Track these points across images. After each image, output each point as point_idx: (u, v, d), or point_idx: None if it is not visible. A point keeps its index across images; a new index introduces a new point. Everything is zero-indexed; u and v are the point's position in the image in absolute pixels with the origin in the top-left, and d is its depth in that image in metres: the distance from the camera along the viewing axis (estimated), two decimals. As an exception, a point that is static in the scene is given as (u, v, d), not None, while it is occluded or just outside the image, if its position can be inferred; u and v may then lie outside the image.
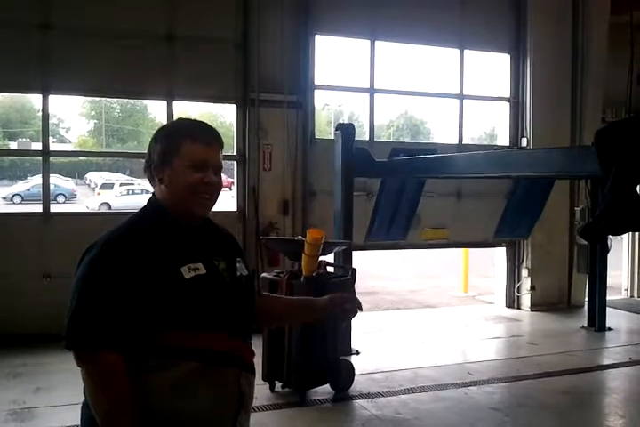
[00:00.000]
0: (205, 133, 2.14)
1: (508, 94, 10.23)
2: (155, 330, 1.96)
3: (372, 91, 9.44)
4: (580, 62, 10.00)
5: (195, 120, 2.24)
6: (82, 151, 29.68)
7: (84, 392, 2.01)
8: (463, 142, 10.02)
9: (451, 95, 10.11)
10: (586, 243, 8.90)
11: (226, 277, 2.14)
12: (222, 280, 2.12)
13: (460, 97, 9.96)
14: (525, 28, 10.00)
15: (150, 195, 2.22)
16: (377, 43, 9.37)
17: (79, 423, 2.09)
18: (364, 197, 8.54)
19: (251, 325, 2.23)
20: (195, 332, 2.00)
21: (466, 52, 9.90)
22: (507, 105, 10.26)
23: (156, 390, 1.96)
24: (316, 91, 9.10)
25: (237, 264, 2.22)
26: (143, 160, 2.19)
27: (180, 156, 2.08)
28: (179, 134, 2.12)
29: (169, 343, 1.97)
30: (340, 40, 9.59)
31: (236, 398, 2.09)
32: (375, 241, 8.48)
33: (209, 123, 2.27)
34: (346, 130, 7.52)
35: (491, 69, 10.70)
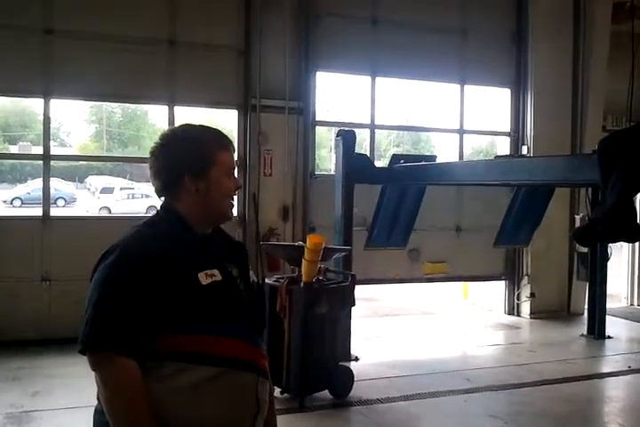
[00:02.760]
0: (227, 139, 2.18)
1: (508, 126, 10.32)
2: (171, 335, 1.96)
3: (372, 126, 9.51)
4: (581, 72, 10.00)
5: (206, 126, 2.23)
6: (82, 155, 29.68)
7: (98, 397, 2.00)
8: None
9: (451, 130, 10.26)
10: (585, 250, 8.91)
11: (239, 284, 2.16)
12: (237, 287, 2.14)
13: (461, 131, 10.07)
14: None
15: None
16: (377, 79, 9.44)
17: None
18: (365, 231, 8.60)
19: (263, 330, 2.25)
20: (212, 337, 2.00)
21: (466, 86, 9.98)
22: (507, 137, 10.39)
23: (172, 395, 1.95)
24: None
25: (250, 271, 2.26)
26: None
27: (216, 165, 2.10)
28: (209, 143, 2.12)
29: (186, 349, 1.96)
30: (341, 75, 9.83)
31: (254, 405, 2.08)
32: (375, 248, 8.45)
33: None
34: (346, 136, 7.53)
35: (491, 101, 10.85)
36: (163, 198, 2.18)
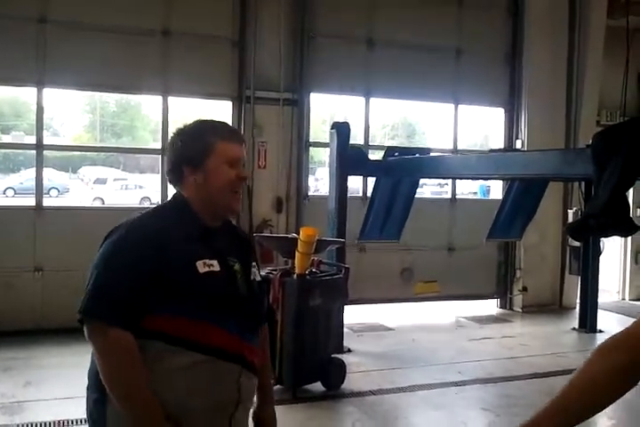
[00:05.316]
0: (233, 132, 2.26)
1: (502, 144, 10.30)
2: (163, 315, 2.01)
3: (366, 147, 9.41)
4: (576, 69, 9.95)
5: (217, 120, 2.30)
6: (75, 145, 29.58)
7: (89, 376, 2.07)
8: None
9: (445, 151, 10.21)
10: (578, 244, 8.95)
11: (238, 279, 2.18)
12: (234, 280, 2.16)
13: (454, 151, 10.06)
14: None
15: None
16: (371, 99, 9.43)
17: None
18: (358, 251, 8.66)
19: (258, 327, 2.27)
20: (201, 325, 2.03)
21: (460, 106, 9.99)
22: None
23: (157, 376, 2.00)
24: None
25: (253, 269, 2.28)
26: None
27: (214, 154, 2.14)
28: (209, 134, 2.17)
29: (173, 332, 2.01)
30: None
31: (235, 393, 2.11)
32: (368, 241, 8.46)
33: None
34: (341, 128, 7.53)
35: (485, 119, 11.08)
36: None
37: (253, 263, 2.30)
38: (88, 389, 2.10)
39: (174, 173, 2.20)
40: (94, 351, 1.99)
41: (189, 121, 2.29)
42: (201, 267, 2.05)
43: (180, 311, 2.01)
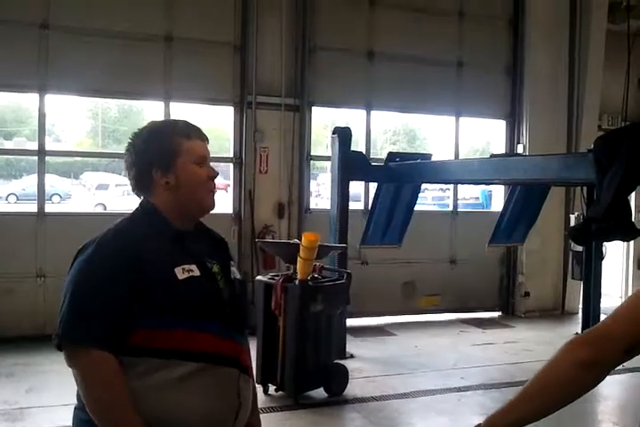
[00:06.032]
0: (195, 129, 2.15)
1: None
2: (147, 330, 1.94)
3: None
4: (577, 75, 9.95)
5: (172, 119, 2.24)
6: (77, 151, 29.61)
7: (78, 396, 1.97)
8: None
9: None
10: (580, 249, 8.93)
11: (219, 280, 2.13)
12: (215, 283, 2.11)
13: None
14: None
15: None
16: (372, 112, 9.45)
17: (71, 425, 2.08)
18: (360, 264, 8.71)
19: (244, 327, 2.23)
20: (188, 333, 1.97)
21: (462, 119, 10.02)
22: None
23: (150, 391, 1.93)
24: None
25: (232, 268, 2.22)
26: None
27: (181, 155, 2.07)
28: (173, 134, 2.09)
29: (162, 344, 1.94)
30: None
31: (235, 399, 2.05)
32: (370, 246, 8.44)
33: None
34: (342, 133, 7.53)
35: (486, 129, 11.17)
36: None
37: (232, 262, 2.24)
38: (77, 409, 2.01)
39: (142, 179, 2.10)
40: (76, 377, 1.90)
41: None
42: (180, 273, 1.97)
43: (164, 322, 1.94)
